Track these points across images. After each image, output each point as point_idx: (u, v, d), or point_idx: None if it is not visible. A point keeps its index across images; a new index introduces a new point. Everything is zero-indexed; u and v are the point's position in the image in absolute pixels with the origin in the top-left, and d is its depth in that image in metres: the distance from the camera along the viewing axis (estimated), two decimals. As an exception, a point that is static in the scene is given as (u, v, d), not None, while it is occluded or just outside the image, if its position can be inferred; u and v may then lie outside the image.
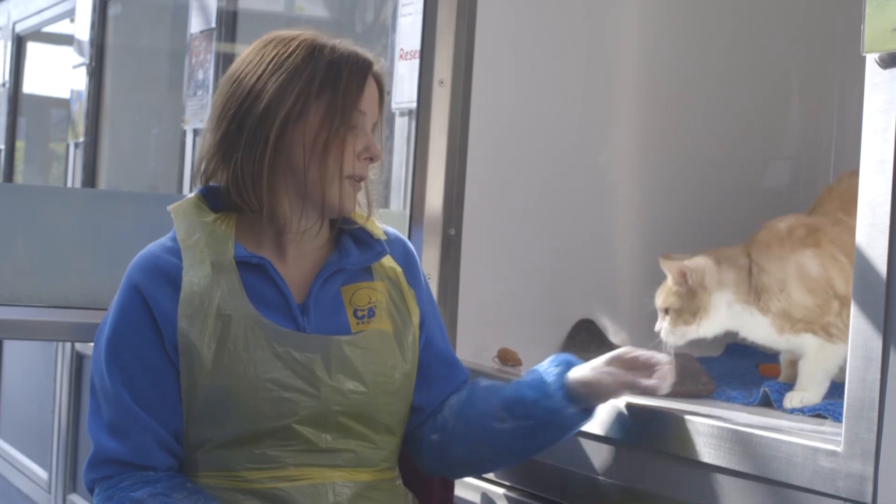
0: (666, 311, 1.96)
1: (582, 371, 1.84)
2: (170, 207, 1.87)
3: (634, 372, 1.81)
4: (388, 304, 1.89)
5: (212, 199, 1.87)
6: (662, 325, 1.96)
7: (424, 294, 1.97)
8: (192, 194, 1.89)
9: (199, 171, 1.87)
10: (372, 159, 1.85)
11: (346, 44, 1.85)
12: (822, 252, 1.93)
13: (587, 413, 1.85)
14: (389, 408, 1.85)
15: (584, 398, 1.83)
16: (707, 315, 1.94)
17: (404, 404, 1.89)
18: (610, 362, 1.82)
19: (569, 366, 1.86)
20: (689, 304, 1.93)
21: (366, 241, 1.91)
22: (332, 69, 1.81)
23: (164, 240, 1.85)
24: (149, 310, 1.78)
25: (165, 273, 1.80)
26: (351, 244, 1.90)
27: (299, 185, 1.81)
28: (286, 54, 1.81)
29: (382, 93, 1.89)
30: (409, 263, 1.96)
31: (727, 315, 1.95)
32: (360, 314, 1.86)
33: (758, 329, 1.95)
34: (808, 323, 1.90)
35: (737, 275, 1.94)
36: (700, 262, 1.94)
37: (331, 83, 1.80)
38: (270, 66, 1.80)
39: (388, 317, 1.88)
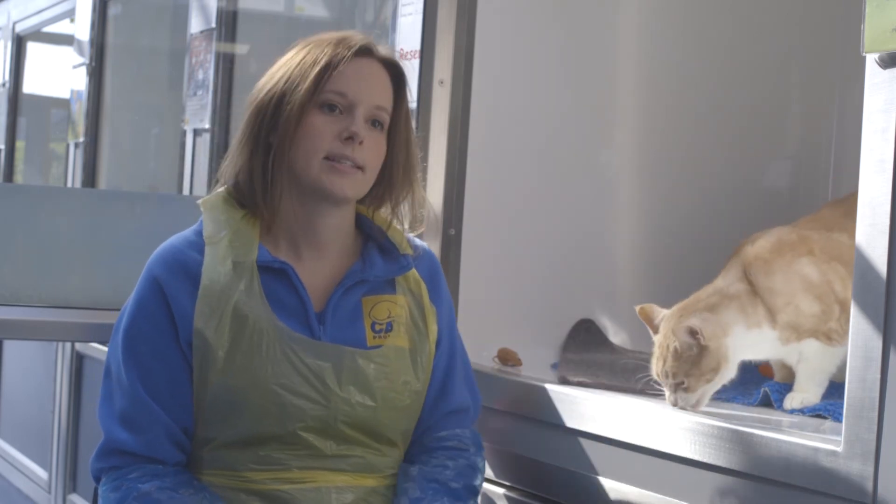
0: (674, 378, 1.85)
1: None
2: (199, 201, 1.87)
3: None
4: (408, 319, 1.88)
5: (240, 194, 1.88)
6: (678, 395, 1.85)
7: (445, 312, 1.95)
8: (223, 188, 1.90)
9: (220, 173, 1.89)
10: (351, 138, 1.80)
11: (346, 33, 1.85)
12: (816, 259, 1.92)
13: None
14: (395, 424, 1.85)
15: None
16: (727, 362, 1.85)
17: (410, 421, 1.88)
18: None
19: None
20: (707, 360, 1.83)
21: (392, 252, 1.90)
22: (313, 53, 1.82)
23: (188, 233, 1.85)
24: (167, 304, 1.78)
25: (187, 269, 1.80)
26: (376, 254, 1.89)
27: (294, 178, 1.81)
28: (291, 53, 1.84)
29: (398, 79, 1.87)
30: (434, 279, 1.95)
31: (742, 348, 1.88)
32: (377, 328, 1.85)
33: (766, 345, 1.91)
34: (814, 331, 1.89)
35: (739, 305, 1.89)
36: (705, 316, 1.86)
37: (309, 65, 1.80)
38: (274, 67, 1.84)
39: (406, 333, 1.87)
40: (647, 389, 1.90)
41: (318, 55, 1.81)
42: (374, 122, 1.84)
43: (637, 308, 1.95)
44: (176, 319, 1.78)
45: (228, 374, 1.76)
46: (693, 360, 1.84)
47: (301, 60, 1.82)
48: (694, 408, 1.85)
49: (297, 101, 1.79)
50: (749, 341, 1.89)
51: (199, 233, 1.84)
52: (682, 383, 1.84)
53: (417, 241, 1.97)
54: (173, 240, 1.85)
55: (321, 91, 1.80)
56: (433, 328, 1.90)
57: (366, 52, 1.84)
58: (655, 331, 1.92)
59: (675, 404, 1.86)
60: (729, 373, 1.87)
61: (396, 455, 1.87)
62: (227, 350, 1.76)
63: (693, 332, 1.83)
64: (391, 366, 1.83)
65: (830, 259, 1.90)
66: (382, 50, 1.87)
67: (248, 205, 1.86)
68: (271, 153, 1.81)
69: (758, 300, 1.89)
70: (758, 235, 2.00)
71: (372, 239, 1.91)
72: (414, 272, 1.92)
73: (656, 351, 1.89)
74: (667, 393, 1.87)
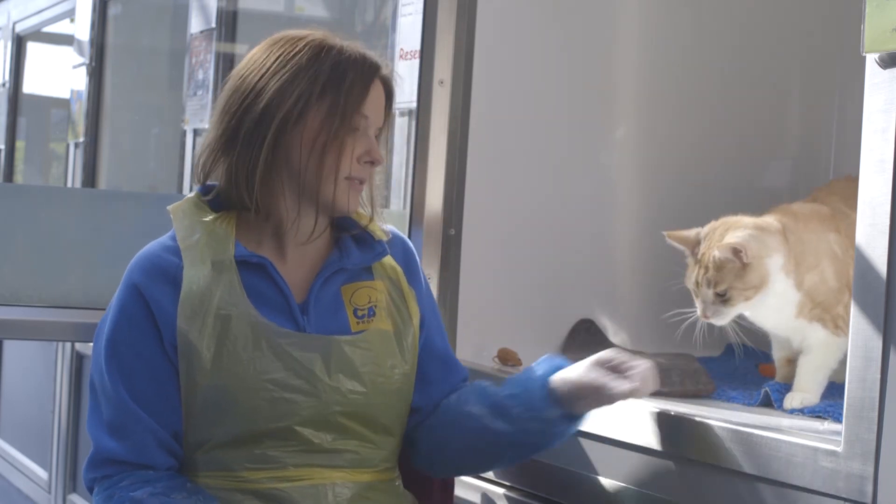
0: (717, 287, 1.85)
1: (567, 373, 1.80)
2: (169, 207, 1.87)
3: (611, 376, 1.74)
4: (389, 303, 1.89)
5: (212, 197, 1.87)
6: (715, 307, 1.85)
7: (424, 293, 1.96)
8: (192, 193, 1.89)
9: (199, 167, 1.86)
10: (373, 163, 1.84)
11: (354, 46, 1.84)
12: (841, 239, 1.91)
13: (573, 419, 1.80)
14: (388, 408, 1.85)
15: (569, 401, 1.78)
16: (767, 285, 1.85)
17: (403, 404, 1.88)
18: (592, 365, 1.77)
19: (556, 368, 1.82)
20: (751, 275, 1.83)
21: (367, 240, 1.91)
22: (337, 70, 1.80)
23: (165, 238, 1.85)
24: (148, 309, 1.78)
25: (165, 272, 1.80)
26: (351, 244, 1.90)
27: (296, 184, 1.81)
28: (292, 53, 1.81)
29: (390, 98, 1.88)
30: (408, 262, 1.96)
31: (773, 286, 1.86)
32: (360, 313, 1.86)
33: (785, 306, 1.89)
34: (823, 310, 1.88)
35: (780, 241, 1.87)
36: (751, 233, 1.85)
37: (334, 85, 1.79)
38: (274, 66, 1.80)
39: (389, 316, 1.88)
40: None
41: (345, 72, 1.79)
42: None
43: (665, 233, 1.95)
44: (159, 324, 1.77)
45: (216, 375, 1.76)
46: (737, 272, 1.84)
47: (317, 72, 1.79)
48: (718, 323, 1.86)
49: (332, 124, 1.77)
50: (779, 288, 1.87)
51: (175, 237, 1.83)
52: (724, 294, 1.84)
53: (388, 227, 1.97)
54: (150, 246, 1.85)
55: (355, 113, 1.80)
56: (415, 310, 1.91)
57: (378, 72, 1.84)
58: (692, 247, 1.91)
59: (705, 316, 1.86)
60: (765, 296, 1.86)
61: (392, 446, 1.87)
62: (214, 351, 1.76)
63: (736, 251, 1.83)
64: (375, 350, 1.83)
65: (850, 245, 1.89)
66: (385, 69, 1.86)
67: (226, 206, 1.85)
68: (268, 155, 1.79)
69: (791, 248, 1.88)
70: (786, 206, 2.00)
71: (345, 230, 1.91)
72: (389, 259, 1.93)
73: (698, 261, 1.88)
74: (699, 306, 1.87)
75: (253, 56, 1.84)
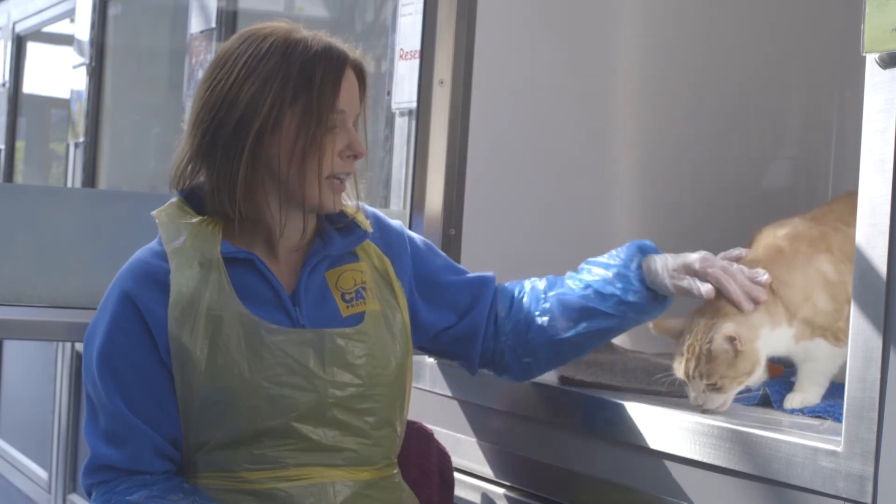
0: (709, 379, 1.84)
1: (673, 260, 1.90)
2: (153, 213, 1.85)
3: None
4: (374, 284, 1.89)
5: (195, 201, 1.85)
6: (708, 396, 1.83)
7: (411, 254, 1.96)
8: (175, 198, 1.86)
9: (176, 177, 1.84)
10: (355, 157, 1.82)
11: (319, 38, 1.80)
12: (833, 257, 1.91)
13: (666, 300, 1.93)
14: (386, 399, 1.85)
15: (662, 286, 1.90)
16: (759, 363, 1.85)
17: (402, 394, 1.88)
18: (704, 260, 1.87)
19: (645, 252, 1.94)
20: (743, 363, 1.83)
21: (348, 226, 1.90)
22: (306, 71, 1.76)
23: (153, 244, 1.83)
24: (141, 317, 1.77)
25: (156, 278, 1.78)
26: (333, 231, 1.89)
27: (279, 191, 1.79)
28: (258, 57, 1.76)
29: (364, 84, 1.85)
30: (388, 242, 1.95)
31: (767, 348, 1.86)
32: (348, 297, 1.85)
33: (783, 342, 1.89)
34: (824, 329, 1.89)
35: (764, 305, 1.86)
36: (738, 320, 1.85)
37: (305, 87, 1.76)
38: (243, 73, 1.76)
39: (377, 297, 1.88)
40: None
41: (314, 71, 1.76)
42: None
43: (650, 325, 1.94)
44: (153, 331, 1.76)
45: (212, 377, 1.75)
46: (729, 362, 1.83)
47: (286, 76, 1.76)
48: (718, 409, 1.83)
49: (309, 127, 1.75)
50: (773, 340, 1.88)
51: (162, 241, 1.82)
52: (716, 384, 1.83)
53: (360, 205, 1.94)
54: (138, 253, 1.83)
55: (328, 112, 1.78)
56: (403, 301, 1.91)
57: (347, 61, 1.81)
58: (678, 336, 1.91)
59: (700, 405, 1.84)
60: (759, 374, 1.87)
61: (391, 441, 1.87)
62: (207, 353, 1.75)
63: (731, 339, 1.82)
64: (371, 340, 1.83)
65: (846, 259, 1.89)
66: (353, 54, 1.83)
67: (209, 211, 1.83)
68: (248, 167, 1.76)
69: (777, 298, 1.88)
70: (776, 226, 1.99)
71: (332, 222, 1.89)
72: (375, 248, 1.92)
73: (685, 352, 1.87)
74: (692, 394, 1.85)
75: (220, 61, 1.80)
